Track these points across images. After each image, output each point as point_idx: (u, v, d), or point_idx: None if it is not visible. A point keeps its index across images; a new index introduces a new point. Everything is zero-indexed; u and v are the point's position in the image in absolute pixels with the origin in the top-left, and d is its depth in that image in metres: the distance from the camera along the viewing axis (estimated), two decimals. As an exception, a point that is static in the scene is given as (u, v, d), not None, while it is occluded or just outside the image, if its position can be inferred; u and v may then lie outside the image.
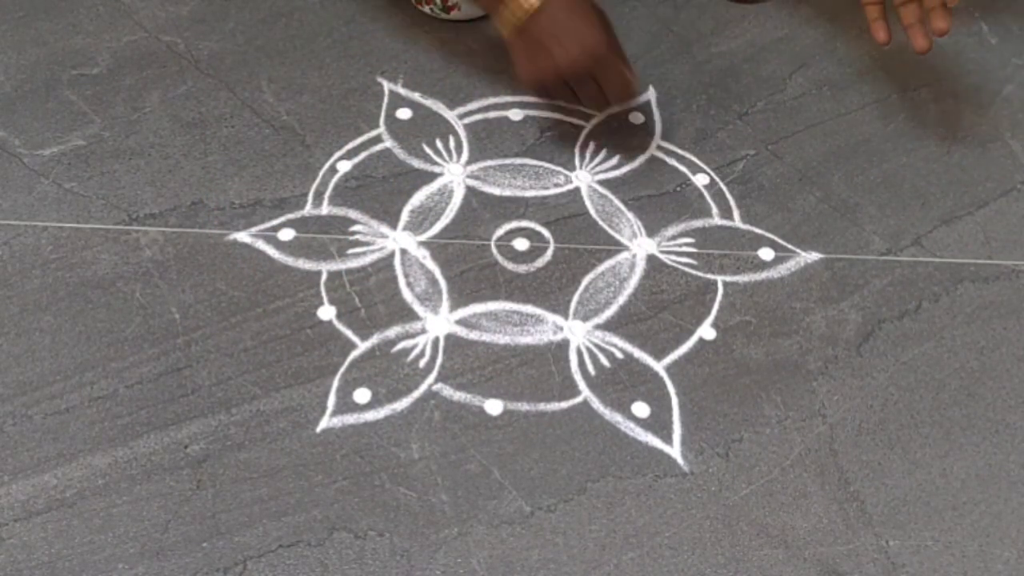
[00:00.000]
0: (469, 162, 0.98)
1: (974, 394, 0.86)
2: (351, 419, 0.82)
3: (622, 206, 0.96)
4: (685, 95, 1.05)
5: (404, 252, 0.92)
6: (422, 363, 0.85)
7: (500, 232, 0.94)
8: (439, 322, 0.88)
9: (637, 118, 1.03)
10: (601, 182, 0.98)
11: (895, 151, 1.02)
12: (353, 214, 0.94)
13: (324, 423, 0.82)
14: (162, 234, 0.91)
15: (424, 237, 0.93)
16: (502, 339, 0.87)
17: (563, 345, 0.87)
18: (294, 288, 0.89)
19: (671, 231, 0.95)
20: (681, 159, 1.00)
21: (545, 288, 0.90)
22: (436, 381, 0.84)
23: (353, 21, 1.08)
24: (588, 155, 1.00)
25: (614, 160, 1.00)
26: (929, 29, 0.94)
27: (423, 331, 0.87)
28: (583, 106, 1.00)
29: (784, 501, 0.79)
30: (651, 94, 1.05)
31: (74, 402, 0.81)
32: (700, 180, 0.99)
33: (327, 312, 0.87)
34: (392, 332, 0.87)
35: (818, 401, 0.85)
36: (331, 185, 0.96)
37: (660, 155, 1.00)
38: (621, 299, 0.90)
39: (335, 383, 0.84)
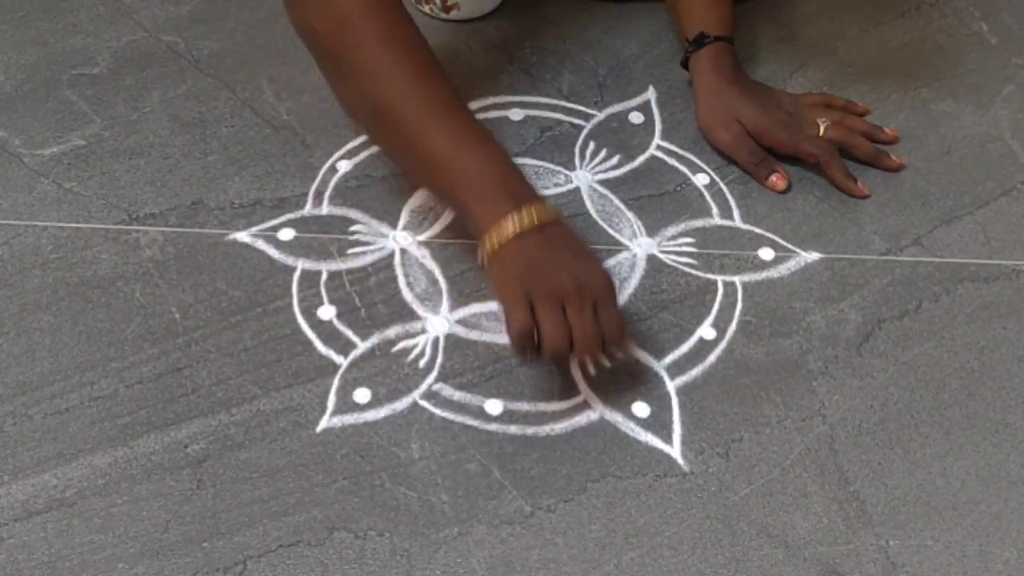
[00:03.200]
0: (469, 162, 0.98)
1: (974, 394, 0.86)
2: (351, 419, 0.82)
3: (622, 206, 0.96)
4: (685, 95, 1.05)
5: (404, 252, 0.92)
6: (422, 363, 0.85)
7: (500, 232, 0.93)
8: (439, 322, 0.87)
9: (637, 118, 1.03)
10: (601, 182, 0.98)
11: (895, 151, 1.01)
12: (353, 214, 0.94)
13: (324, 423, 0.81)
14: (162, 234, 0.91)
15: (424, 237, 0.93)
16: (502, 339, 0.87)
17: (563, 345, 0.87)
18: (294, 288, 0.89)
19: (671, 231, 0.95)
20: (681, 159, 1.00)
21: (545, 288, 0.90)
22: (436, 381, 0.84)
23: (353, 21, 1.08)
24: (588, 155, 1.00)
25: (614, 160, 1.00)
26: (883, 165, 1.00)
27: (423, 331, 0.87)
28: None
29: (784, 501, 0.79)
30: (651, 94, 1.05)
31: (74, 402, 0.81)
32: (700, 180, 0.99)
33: (327, 312, 0.87)
34: (392, 332, 0.87)
35: (818, 401, 0.85)
36: (331, 185, 0.95)
37: (660, 155, 1.00)
38: (621, 299, 0.90)
39: (335, 383, 0.83)
